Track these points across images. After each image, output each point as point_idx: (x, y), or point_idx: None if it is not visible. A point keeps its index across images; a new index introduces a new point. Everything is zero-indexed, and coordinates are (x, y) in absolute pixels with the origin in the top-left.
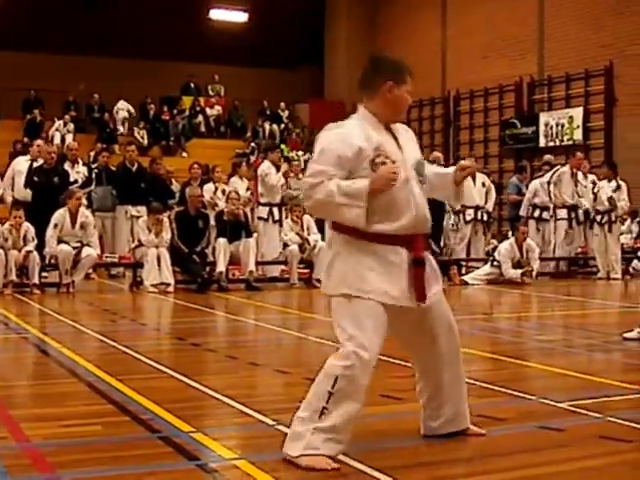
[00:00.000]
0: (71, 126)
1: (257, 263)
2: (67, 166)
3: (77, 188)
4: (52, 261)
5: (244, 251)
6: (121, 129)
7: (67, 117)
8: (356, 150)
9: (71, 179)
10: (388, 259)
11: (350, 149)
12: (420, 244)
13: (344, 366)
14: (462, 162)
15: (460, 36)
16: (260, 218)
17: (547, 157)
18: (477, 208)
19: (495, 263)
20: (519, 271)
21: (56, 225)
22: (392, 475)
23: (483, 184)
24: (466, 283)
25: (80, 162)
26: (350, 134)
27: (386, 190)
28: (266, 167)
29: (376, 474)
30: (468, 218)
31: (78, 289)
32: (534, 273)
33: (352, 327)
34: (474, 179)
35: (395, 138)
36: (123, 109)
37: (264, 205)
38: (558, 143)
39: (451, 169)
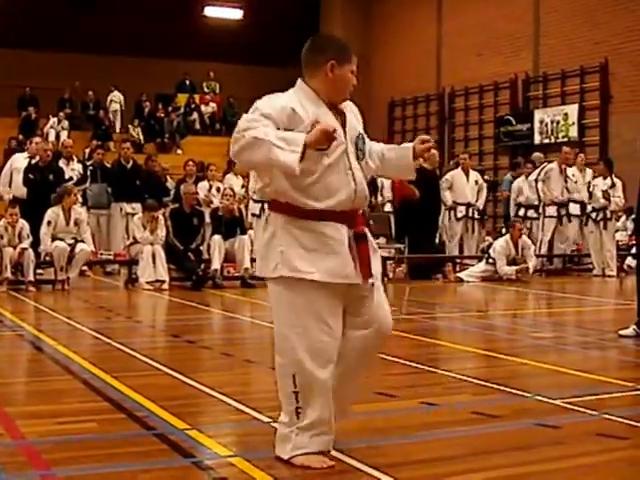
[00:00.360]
0: (65, 123)
1: (252, 260)
2: (62, 163)
3: (72, 185)
4: (47, 258)
5: (239, 248)
6: (114, 121)
7: (61, 114)
8: (289, 111)
9: (66, 176)
10: (330, 236)
11: (283, 110)
12: (360, 220)
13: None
14: (422, 136)
15: (455, 33)
16: (253, 215)
17: (535, 155)
18: (468, 205)
19: (490, 260)
20: (514, 268)
21: (49, 222)
22: (388, 472)
23: (476, 182)
24: (461, 280)
25: (75, 159)
26: (284, 98)
27: (323, 146)
28: None
29: (372, 471)
30: (459, 215)
31: (73, 286)
32: (530, 270)
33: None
34: (467, 176)
35: (340, 116)
36: (116, 101)
37: (257, 202)
38: (553, 140)
39: (410, 144)
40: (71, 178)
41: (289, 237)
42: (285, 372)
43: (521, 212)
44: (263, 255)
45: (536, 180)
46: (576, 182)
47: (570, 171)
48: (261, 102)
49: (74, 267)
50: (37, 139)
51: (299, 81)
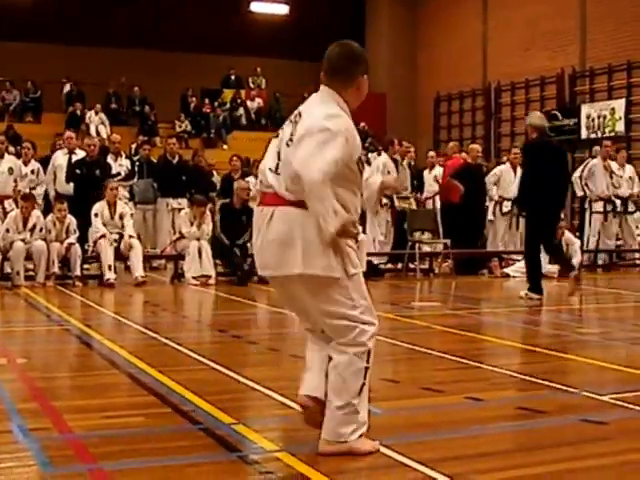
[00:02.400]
0: (103, 116)
1: None
2: (110, 159)
3: (119, 181)
4: (94, 254)
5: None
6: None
7: (98, 106)
8: (357, 145)
9: (114, 172)
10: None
11: (355, 145)
12: None
13: (370, 339)
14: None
15: (501, 28)
16: None
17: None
18: (514, 201)
19: None
20: (557, 267)
21: (97, 215)
22: (434, 467)
23: None
24: (507, 275)
25: (123, 155)
26: (353, 127)
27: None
28: None
29: (418, 466)
30: (505, 210)
31: (119, 281)
32: (576, 267)
33: (362, 299)
34: (515, 172)
35: None
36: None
37: None
38: (600, 135)
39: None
40: (119, 174)
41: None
42: (363, 350)
43: None
44: (304, 251)
45: (580, 177)
46: (621, 177)
47: (615, 165)
48: (344, 126)
49: (137, 265)
50: (68, 133)
51: (336, 96)
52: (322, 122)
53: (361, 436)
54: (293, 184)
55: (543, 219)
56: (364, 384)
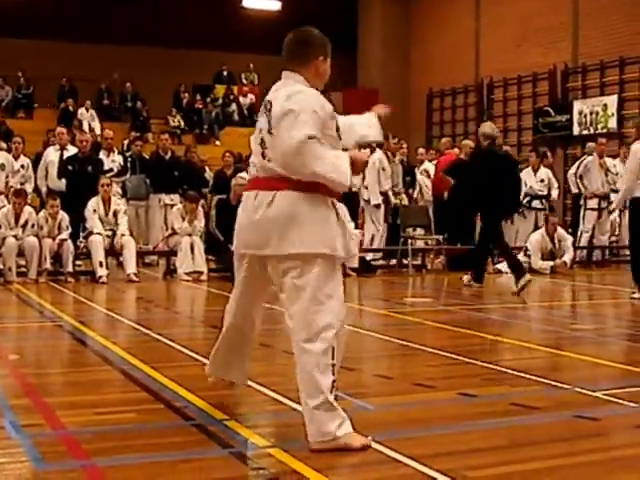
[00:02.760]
0: (93, 113)
1: None
2: (102, 155)
3: (112, 177)
4: (85, 250)
5: None
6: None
7: (88, 102)
8: (328, 112)
9: (106, 167)
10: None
11: (326, 112)
12: None
13: (334, 335)
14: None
15: (494, 24)
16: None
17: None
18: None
19: (528, 252)
20: (549, 263)
21: (95, 210)
22: (425, 463)
23: None
24: (500, 271)
25: (116, 151)
26: (319, 97)
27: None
28: None
29: (410, 462)
30: None
31: (111, 277)
32: (568, 264)
33: (332, 291)
34: None
35: None
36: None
37: None
38: (592, 131)
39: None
40: (111, 169)
41: (317, 215)
42: (325, 346)
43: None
44: (296, 231)
45: (575, 173)
46: (617, 174)
47: (611, 162)
48: (312, 101)
49: (130, 263)
50: (59, 129)
51: (299, 76)
52: (284, 104)
53: (349, 431)
54: (285, 170)
55: (493, 221)
56: (334, 380)
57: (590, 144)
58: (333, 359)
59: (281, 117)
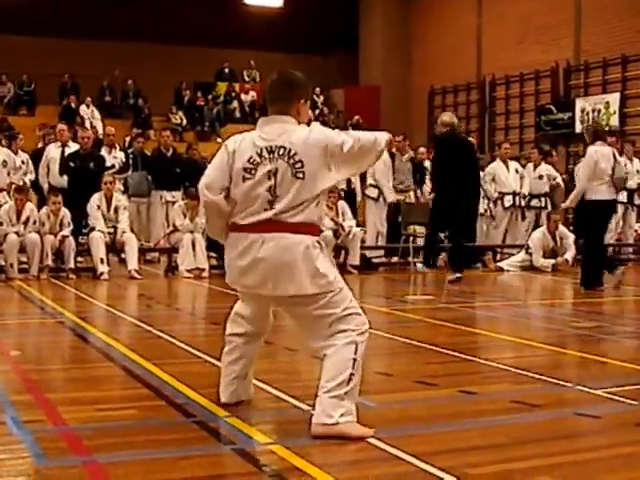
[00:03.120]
0: (94, 109)
1: None
2: (104, 151)
3: (114, 173)
4: (86, 246)
5: None
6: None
7: (88, 99)
8: None
9: (108, 164)
10: None
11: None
12: None
13: (362, 333)
14: None
15: (496, 21)
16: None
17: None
18: (514, 194)
19: (530, 250)
20: (551, 261)
21: (99, 207)
22: (427, 461)
23: (516, 170)
24: (501, 269)
25: (117, 147)
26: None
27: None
28: None
29: (411, 459)
30: (507, 204)
31: (113, 274)
32: (570, 261)
33: (353, 306)
34: (507, 166)
35: None
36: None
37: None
38: None
39: None
40: (113, 166)
41: (325, 254)
42: (352, 340)
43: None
44: (315, 273)
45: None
46: (627, 173)
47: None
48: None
49: (131, 259)
50: (60, 126)
51: (290, 118)
52: (329, 134)
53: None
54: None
55: (448, 208)
56: (352, 374)
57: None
58: (356, 354)
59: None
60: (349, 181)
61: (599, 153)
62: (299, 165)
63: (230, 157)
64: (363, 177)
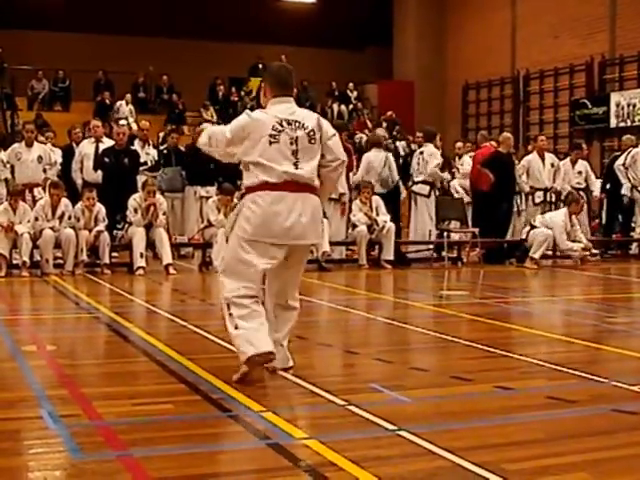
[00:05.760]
0: (132, 107)
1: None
2: (137, 145)
3: (145, 171)
4: (121, 241)
5: None
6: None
7: (128, 96)
8: None
9: (141, 160)
10: None
11: None
12: None
13: None
14: None
15: (530, 15)
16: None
17: (625, 137)
18: (546, 190)
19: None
20: (579, 245)
21: (136, 210)
22: (462, 456)
23: (552, 164)
24: (537, 264)
25: (151, 144)
26: None
27: None
28: None
29: (447, 455)
30: (537, 200)
31: (147, 269)
32: (589, 251)
33: None
34: (543, 160)
35: None
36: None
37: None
38: (629, 123)
39: None
40: (145, 163)
41: None
42: None
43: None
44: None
45: (624, 164)
46: None
47: None
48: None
49: (166, 253)
50: (94, 122)
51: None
52: (330, 130)
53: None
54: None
55: None
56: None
57: (628, 136)
58: None
59: (332, 137)
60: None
61: None
62: (312, 133)
63: (247, 127)
64: (406, 174)
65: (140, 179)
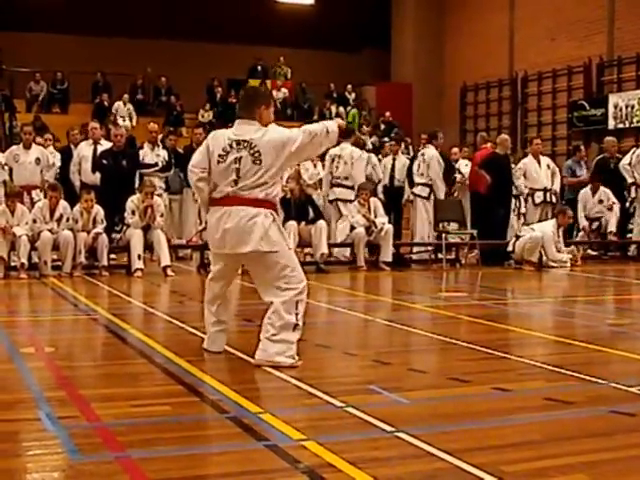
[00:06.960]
0: (130, 107)
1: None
2: (147, 148)
3: (156, 172)
4: (119, 243)
5: (316, 233)
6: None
7: (125, 97)
8: None
9: (151, 162)
10: None
11: None
12: None
13: (300, 292)
14: None
15: (528, 17)
16: (331, 201)
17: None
18: (545, 190)
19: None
20: (567, 255)
21: (133, 212)
22: (461, 457)
23: (548, 166)
24: (542, 266)
25: (160, 145)
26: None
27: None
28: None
29: (445, 456)
30: (538, 201)
31: (145, 271)
32: (578, 258)
33: (298, 267)
34: (539, 162)
35: None
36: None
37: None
38: (628, 125)
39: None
40: (156, 164)
41: (277, 223)
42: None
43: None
44: (264, 236)
45: (630, 164)
46: None
47: None
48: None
49: (164, 255)
50: (92, 124)
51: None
52: (284, 134)
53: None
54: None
55: None
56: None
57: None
58: (297, 309)
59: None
60: (392, 177)
61: None
62: (257, 154)
63: (210, 146)
64: (410, 176)
65: (153, 181)
